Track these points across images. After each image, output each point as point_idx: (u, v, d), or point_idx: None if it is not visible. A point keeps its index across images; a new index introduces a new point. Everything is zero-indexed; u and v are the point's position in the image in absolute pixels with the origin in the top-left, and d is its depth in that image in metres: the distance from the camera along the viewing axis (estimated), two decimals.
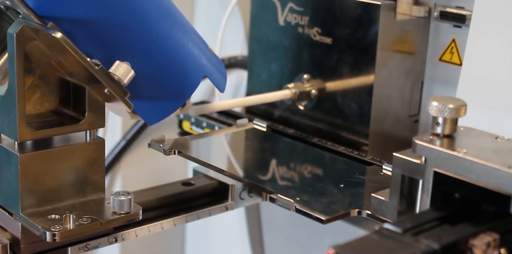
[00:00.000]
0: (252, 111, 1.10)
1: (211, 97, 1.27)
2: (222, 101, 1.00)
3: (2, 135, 0.80)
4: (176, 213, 0.89)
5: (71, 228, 0.76)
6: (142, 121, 1.26)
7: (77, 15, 0.75)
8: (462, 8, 0.92)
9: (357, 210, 0.79)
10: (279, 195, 0.81)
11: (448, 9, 0.93)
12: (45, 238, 0.75)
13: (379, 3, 0.92)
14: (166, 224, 0.87)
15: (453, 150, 0.67)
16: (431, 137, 0.70)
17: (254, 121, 1.02)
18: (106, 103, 0.80)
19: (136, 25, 0.79)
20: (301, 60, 1.02)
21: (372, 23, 0.93)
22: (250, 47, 1.09)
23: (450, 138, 0.70)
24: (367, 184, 0.87)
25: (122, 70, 0.76)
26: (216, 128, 1.06)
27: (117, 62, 0.76)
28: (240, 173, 0.92)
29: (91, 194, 0.82)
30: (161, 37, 0.81)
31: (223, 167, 0.91)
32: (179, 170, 1.35)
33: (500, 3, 0.83)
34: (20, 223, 0.79)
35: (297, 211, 0.79)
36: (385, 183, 0.83)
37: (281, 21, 1.03)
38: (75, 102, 0.81)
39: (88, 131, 0.81)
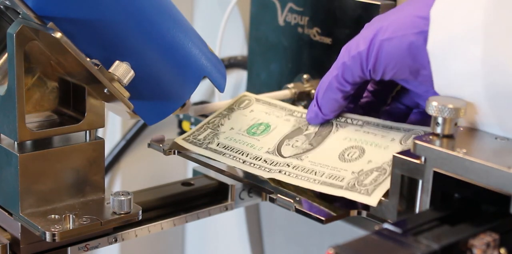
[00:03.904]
0: None
1: (211, 97, 1.27)
2: (222, 101, 1.00)
3: (2, 135, 0.80)
4: (176, 213, 0.89)
5: (71, 228, 0.76)
6: (141, 121, 1.26)
7: (77, 15, 0.75)
8: None
9: (356, 210, 0.79)
10: (279, 195, 0.81)
11: None
12: (45, 238, 0.75)
13: (379, 3, 0.92)
14: (165, 224, 0.87)
15: (453, 150, 0.67)
16: (431, 137, 0.70)
17: None
18: (106, 103, 0.80)
19: (136, 25, 0.78)
20: (301, 60, 1.01)
21: None
22: (250, 47, 1.09)
23: (450, 138, 0.70)
24: None
25: (121, 70, 0.76)
26: None
27: (117, 62, 0.76)
28: (240, 173, 0.92)
29: (90, 194, 0.82)
30: (161, 37, 0.80)
31: (223, 167, 0.91)
32: (179, 170, 1.35)
33: None
34: (19, 223, 0.79)
35: (297, 211, 0.79)
36: None
37: (280, 21, 1.03)
38: (74, 103, 0.81)
39: (88, 131, 0.81)
